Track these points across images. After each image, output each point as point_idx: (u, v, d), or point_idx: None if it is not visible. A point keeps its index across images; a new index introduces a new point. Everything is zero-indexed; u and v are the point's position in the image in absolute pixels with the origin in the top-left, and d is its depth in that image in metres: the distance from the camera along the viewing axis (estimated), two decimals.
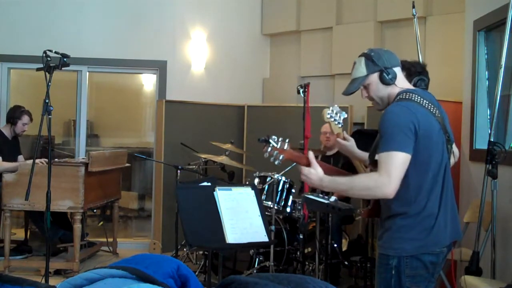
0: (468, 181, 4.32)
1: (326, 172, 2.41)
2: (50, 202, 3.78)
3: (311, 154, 2.43)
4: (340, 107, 2.80)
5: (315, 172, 2.37)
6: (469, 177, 4.30)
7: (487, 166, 3.40)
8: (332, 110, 2.73)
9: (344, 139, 2.77)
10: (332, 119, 2.74)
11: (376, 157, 2.36)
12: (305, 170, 2.39)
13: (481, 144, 4.16)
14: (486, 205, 3.54)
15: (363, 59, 2.41)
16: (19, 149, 5.61)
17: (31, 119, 5.44)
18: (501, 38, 3.75)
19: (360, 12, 6.30)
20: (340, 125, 2.76)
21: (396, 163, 2.16)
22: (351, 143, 2.76)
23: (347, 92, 2.47)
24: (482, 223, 3.56)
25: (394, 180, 2.15)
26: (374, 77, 2.38)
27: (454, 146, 2.54)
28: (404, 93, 2.32)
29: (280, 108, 6.40)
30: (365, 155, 2.71)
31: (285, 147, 2.52)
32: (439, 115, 2.32)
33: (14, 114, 5.36)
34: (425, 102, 2.29)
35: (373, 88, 2.40)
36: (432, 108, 2.30)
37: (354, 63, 2.45)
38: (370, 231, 4.55)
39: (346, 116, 2.79)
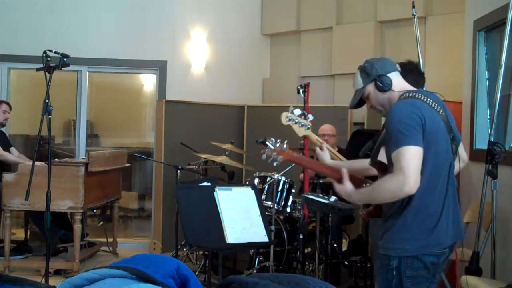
0: (468, 181, 4.32)
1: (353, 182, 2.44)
2: (50, 202, 3.78)
3: (345, 172, 2.45)
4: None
5: (344, 189, 2.43)
6: (469, 177, 4.30)
7: (487, 166, 3.40)
8: (293, 113, 2.72)
9: (321, 148, 2.78)
10: (293, 122, 2.73)
11: (379, 157, 2.36)
12: (336, 186, 2.46)
13: (481, 144, 4.16)
14: (486, 205, 3.54)
15: (359, 72, 2.49)
16: (9, 141, 5.67)
17: (10, 108, 5.59)
18: (501, 38, 3.75)
19: (360, 12, 6.30)
20: (306, 128, 2.75)
21: (407, 158, 2.14)
22: (324, 153, 2.80)
23: (350, 106, 2.56)
24: (482, 223, 3.56)
25: (410, 175, 2.12)
26: (370, 87, 2.44)
27: (462, 150, 2.53)
28: (408, 93, 2.34)
29: (280, 108, 6.31)
30: (334, 164, 2.74)
31: (284, 148, 2.51)
32: (443, 114, 2.32)
33: None
34: (429, 101, 2.29)
35: (372, 97, 2.45)
36: (436, 107, 2.30)
37: (354, 77, 2.52)
38: (370, 231, 4.55)
39: (312, 118, 2.78)
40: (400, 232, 2.27)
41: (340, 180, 2.46)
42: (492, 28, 4.19)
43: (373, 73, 2.41)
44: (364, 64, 2.47)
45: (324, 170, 2.70)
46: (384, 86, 2.38)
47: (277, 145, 2.51)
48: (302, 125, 2.75)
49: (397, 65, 2.49)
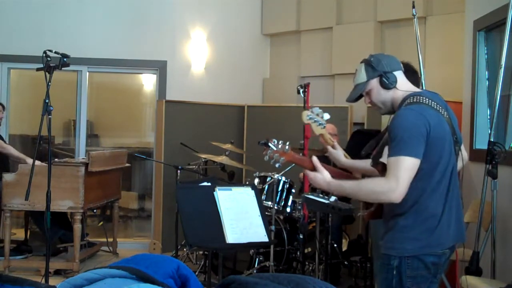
0: (468, 181, 4.32)
1: (332, 175, 2.41)
2: (50, 202, 3.78)
3: (315, 159, 2.43)
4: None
5: (321, 177, 2.39)
6: (469, 177, 4.30)
7: (487, 166, 3.40)
8: (312, 112, 2.73)
9: (333, 147, 2.77)
10: (313, 121, 2.74)
11: (382, 159, 2.35)
12: (310, 174, 2.41)
13: (481, 144, 4.16)
14: (486, 205, 3.54)
15: (363, 65, 2.44)
16: (4, 140, 5.66)
17: (3, 108, 5.60)
18: (501, 38, 3.75)
19: (360, 12, 6.30)
20: (322, 126, 2.76)
21: (404, 168, 2.15)
22: (337, 152, 2.78)
23: (350, 99, 2.51)
24: (482, 223, 3.56)
25: (401, 185, 2.14)
26: (374, 82, 2.40)
27: (463, 149, 2.53)
28: (413, 97, 2.32)
29: (280, 108, 6.40)
30: (351, 163, 2.73)
31: (286, 150, 2.52)
32: (447, 116, 2.32)
33: None
34: (434, 104, 2.29)
35: (374, 93, 2.42)
36: (440, 109, 2.30)
37: (356, 70, 2.47)
38: (370, 231, 4.55)
39: (329, 117, 2.79)
40: (401, 232, 2.27)
41: (313, 169, 2.43)
42: (492, 28, 4.19)
43: (379, 69, 2.37)
44: (370, 58, 2.42)
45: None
46: (389, 83, 2.36)
47: (279, 146, 2.51)
48: (319, 124, 2.76)
49: (401, 65, 2.47)
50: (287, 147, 2.52)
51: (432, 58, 5.54)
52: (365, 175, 2.67)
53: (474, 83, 4.33)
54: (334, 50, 6.45)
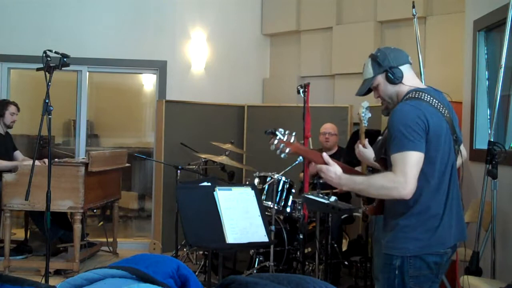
0: (468, 181, 4.32)
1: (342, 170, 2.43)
2: (50, 202, 3.78)
3: (325, 155, 2.44)
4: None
5: (333, 170, 2.39)
6: (469, 177, 4.30)
7: (487, 166, 3.40)
8: (365, 108, 2.76)
9: (364, 146, 2.78)
10: (365, 119, 2.77)
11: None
12: (323, 167, 2.41)
13: (481, 144, 4.16)
14: (486, 205, 3.54)
15: (370, 60, 2.44)
16: (14, 145, 5.62)
17: (18, 109, 5.49)
18: (501, 38, 3.75)
19: (360, 12, 6.30)
20: (365, 124, 2.79)
21: (411, 163, 2.15)
22: (369, 151, 2.78)
23: (359, 94, 2.51)
24: (482, 223, 3.56)
25: (410, 180, 2.14)
26: (381, 78, 2.40)
27: (462, 147, 2.53)
28: (414, 92, 2.31)
29: (280, 108, 6.40)
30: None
31: (292, 141, 2.52)
32: (448, 115, 2.31)
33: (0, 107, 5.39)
34: (435, 101, 2.28)
35: (381, 88, 2.41)
36: (441, 108, 2.29)
37: (364, 64, 2.47)
38: (370, 231, 4.55)
39: (370, 115, 2.81)
40: (403, 231, 2.27)
41: (322, 164, 2.44)
42: (492, 28, 4.19)
43: (385, 64, 2.37)
44: (377, 53, 2.42)
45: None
46: (395, 79, 2.35)
47: (286, 136, 2.51)
48: (365, 121, 2.79)
49: (410, 58, 2.46)
50: (292, 138, 2.53)
51: (432, 58, 5.54)
52: None
53: (474, 83, 4.33)
54: (334, 50, 6.45)
